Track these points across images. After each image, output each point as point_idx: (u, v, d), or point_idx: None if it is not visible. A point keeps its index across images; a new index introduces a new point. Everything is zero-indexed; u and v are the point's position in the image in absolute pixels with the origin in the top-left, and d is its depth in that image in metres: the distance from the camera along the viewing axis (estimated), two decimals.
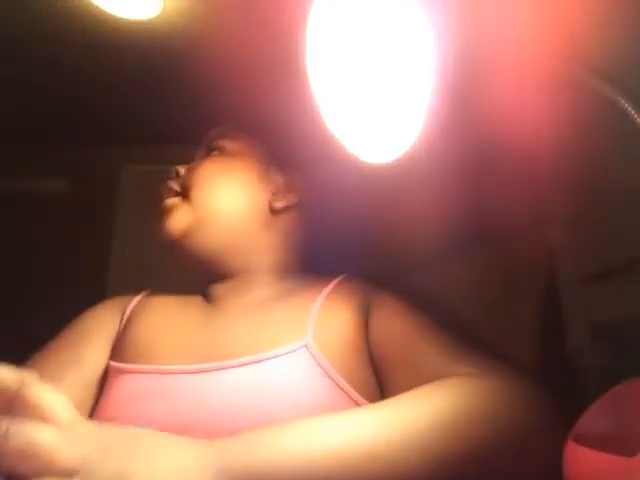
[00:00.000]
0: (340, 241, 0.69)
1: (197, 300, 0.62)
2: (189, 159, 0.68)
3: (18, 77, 0.81)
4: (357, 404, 0.49)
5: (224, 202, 0.62)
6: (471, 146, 0.64)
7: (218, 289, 0.62)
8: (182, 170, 0.65)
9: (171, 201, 0.62)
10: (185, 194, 0.62)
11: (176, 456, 0.34)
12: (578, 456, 0.31)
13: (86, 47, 0.73)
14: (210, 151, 0.67)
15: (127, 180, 1.02)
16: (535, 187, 0.64)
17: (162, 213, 0.62)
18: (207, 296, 0.63)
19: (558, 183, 0.62)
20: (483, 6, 0.48)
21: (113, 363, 0.56)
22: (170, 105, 0.81)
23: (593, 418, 0.32)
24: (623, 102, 0.43)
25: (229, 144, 0.66)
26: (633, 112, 0.42)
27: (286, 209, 0.64)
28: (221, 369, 0.50)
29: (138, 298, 0.64)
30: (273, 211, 0.64)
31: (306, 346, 0.51)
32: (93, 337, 0.59)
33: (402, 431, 0.37)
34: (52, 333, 0.60)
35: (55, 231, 1.00)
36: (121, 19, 0.65)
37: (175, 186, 0.63)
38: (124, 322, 0.61)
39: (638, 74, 0.44)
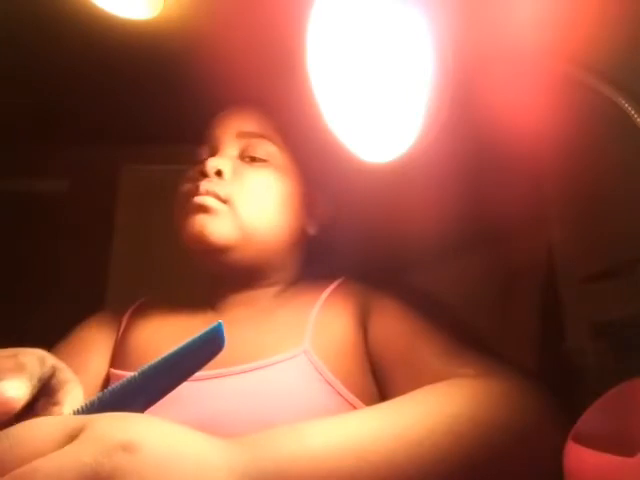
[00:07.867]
0: (339, 241, 0.69)
1: (198, 306, 0.62)
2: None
3: (18, 77, 0.81)
4: (355, 409, 0.48)
5: (272, 220, 0.59)
6: (471, 146, 0.63)
7: (227, 298, 0.61)
8: (226, 170, 0.57)
9: (212, 202, 0.55)
10: (230, 202, 0.56)
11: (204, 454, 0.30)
12: (578, 456, 0.31)
13: (86, 47, 0.73)
14: (246, 151, 0.61)
15: (127, 180, 1.02)
16: (535, 187, 0.64)
17: (191, 211, 0.55)
18: (210, 302, 0.62)
19: (558, 183, 0.62)
20: (482, 6, 0.48)
21: (114, 370, 0.55)
22: (170, 105, 0.81)
23: (593, 418, 0.32)
24: (623, 102, 0.43)
25: (274, 156, 0.61)
26: (633, 112, 0.42)
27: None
28: (223, 376, 0.50)
29: (135, 305, 0.64)
30: (305, 234, 0.64)
31: (305, 352, 0.51)
32: (92, 345, 0.59)
33: (402, 432, 0.36)
34: (52, 333, 0.60)
35: (55, 231, 1.00)
36: (121, 19, 0.65)
37: (219, 190, 0.56)
38: (122, 330, 0.60)
39: (638, 74, 0.44)
